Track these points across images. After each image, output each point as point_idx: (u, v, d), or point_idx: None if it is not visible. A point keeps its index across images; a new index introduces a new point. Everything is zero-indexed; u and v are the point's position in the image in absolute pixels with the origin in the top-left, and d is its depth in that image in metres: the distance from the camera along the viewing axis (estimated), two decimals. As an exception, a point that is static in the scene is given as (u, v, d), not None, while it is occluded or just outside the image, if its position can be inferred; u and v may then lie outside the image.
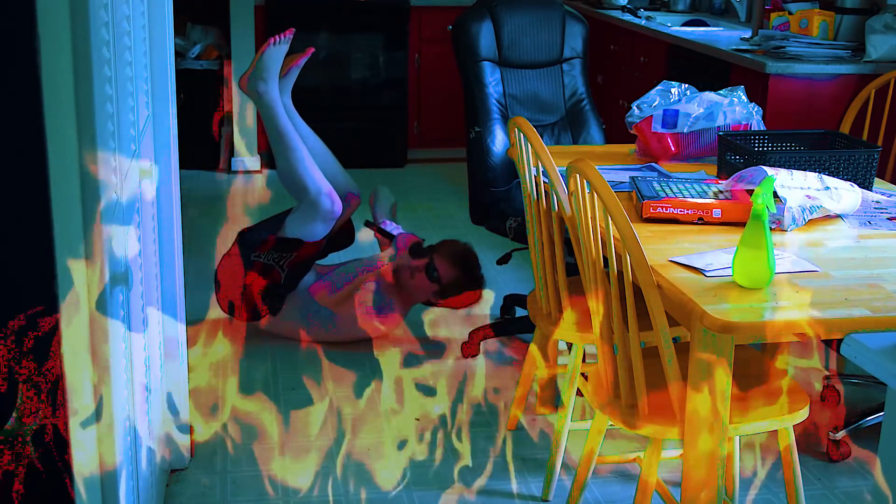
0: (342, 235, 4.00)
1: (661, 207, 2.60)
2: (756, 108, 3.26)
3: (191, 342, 3.41)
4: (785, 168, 2.72)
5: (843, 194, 2.63)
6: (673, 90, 3.31)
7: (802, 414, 2.35)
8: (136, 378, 2.23)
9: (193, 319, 3.79)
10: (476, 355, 3.75)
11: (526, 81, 3.90)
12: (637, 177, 2.87)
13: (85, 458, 1.68)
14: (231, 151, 6.24)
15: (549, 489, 2.92)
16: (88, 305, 1.67)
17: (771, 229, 2.36)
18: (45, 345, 1.59)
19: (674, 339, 2.62)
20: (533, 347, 3.19)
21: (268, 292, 3.72)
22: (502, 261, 3.93)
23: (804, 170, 2.78)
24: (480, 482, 2.98)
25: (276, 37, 3.77)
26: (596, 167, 2.22)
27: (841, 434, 3.11)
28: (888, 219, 2.68)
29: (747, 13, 5.37)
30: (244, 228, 3.93)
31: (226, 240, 4.55)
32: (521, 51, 3.88)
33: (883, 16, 4.26)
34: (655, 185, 2.73)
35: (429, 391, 3.50)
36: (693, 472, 2.22)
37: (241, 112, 6.13)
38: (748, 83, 4.03)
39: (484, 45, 3.82)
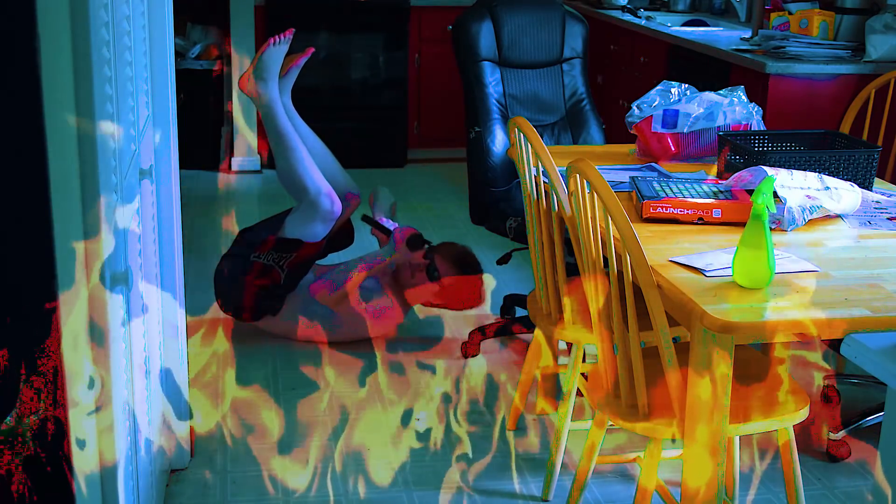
0: (342, 236, 4.00)
1: (661, 207, 2.60)
2: (756, 108, 3.26)
3: (191, 342, 3.41)
4: (785, 168, 2.72)
5: (843, 194, 2.63)
6: (673, 90, 3.31)
7: (802, 414, 2.35)
8: (136, 378, 2.23)
9: (193, 319, 3.79)
10: (476, 355, 3.75)
11: (526, 81, 3.90)
12: (637, 177, 2.88)
13: (85, 458, 1.68)
14: (231, 151, 6.24)
15: (549, 489, 2.92)
16: (88, 305, 1.67)
17: (771, 229, 2.36)
18: (45, 345, 1.59)
19: (674, 339, 2.62)
20: (533, 347, 3.19)
21: (267, 292, 3.72)
22: (502, 261, 3.93)
23: (804, 170, 2.78)
24: (480, 482, 2.98)
25: (276, 37, 3.77)
26: (596, 167, 2.22)
27: (841, 434, 3.11)
28: (888, 219, 2.68)
29: (747, 13, 5.37)
30: (244, 229, 3.93)
31: (226, 240, 4.55)
32: (521, 51, 3.88)
33: (883, 16, 4.26)
34: (655, 185, 2.73)
35: (429, 391, 3.50)
36: (693, 472, 2.22)
37: (241, 112, 6.13)
38: (748, 83, 4.03)
39: (484, 45, 3.82)
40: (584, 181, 2.26)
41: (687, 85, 3.34)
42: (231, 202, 5.69)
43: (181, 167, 2.90)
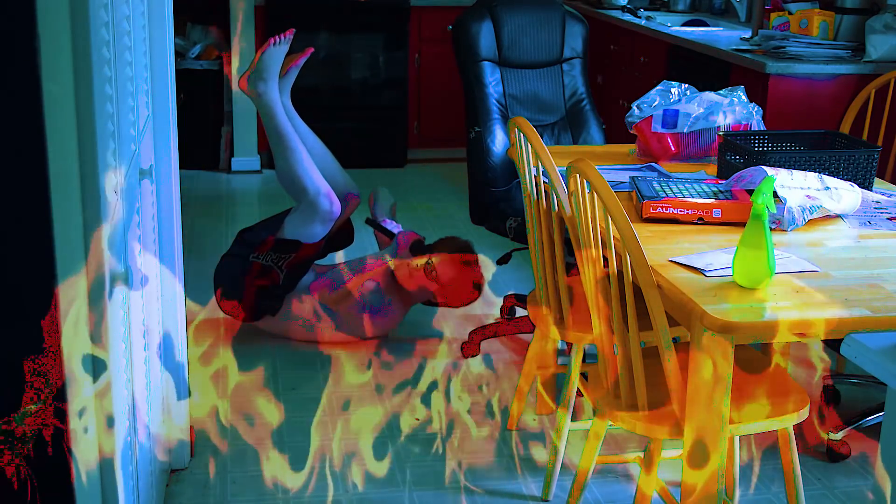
0: (341, 236, 4.00)
1: (661, 207, 2.60)
2: (756, 108, 3.26)
3: (190, 342, 3.41)
4: (785, 168, 2.72)
5: (843, 194, 2.63)
6: (673, 90, 3.31)
7: (802, 414, 2.35)
8: (136, 378, 2.23)
9: (193, 319, 3.79)
10: (476, 355, 3.75)
11: (526, 81, 3.90)
12: (637, 177, 2.88)
13: (85, 459, 1.68)
14: (231, 151, 6.24)
15: (549, 489, 2.92)
16: (88, 306, 1.67)
17: (771, 229, 2.36)
18: (45, 345, 1.59)
19: (674, 339, 2.62)
20: (533, 347, 3.19)
21: (266, 293, 3.72)
22: (502, 261, 3.93)
23: (804, 170, 2.78)
24: (480, 482, 2.98)
25: (276, 37, 3.77)
26: (596, 167, 2.22)
27: (841, 434, 3.11)
28: (888, 219, 2.68)
29: (747, 13, 5.37)
30: (243, 229, 3.93)
31: (226, 240, 4.55)
32: (521, 51, 3.88)
33: (883, 16, 4.26)
34: (655, 185, 2.73)
35: (429, 391, 3.50)
36: (693, 472, 2.22)
37: (241, 112, 6.13)
38: (748, 83, 4.03)
39: (484, 45, 3.82)
40: (584, 181, 2.26)
41: (687, 85, 3.34)
42: (231, 202, 5.69)
43: (181, 167, 2.90)
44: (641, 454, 2.56)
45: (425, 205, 5.59)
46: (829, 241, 2.53)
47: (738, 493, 2.77)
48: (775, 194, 2.54)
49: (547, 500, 2.91)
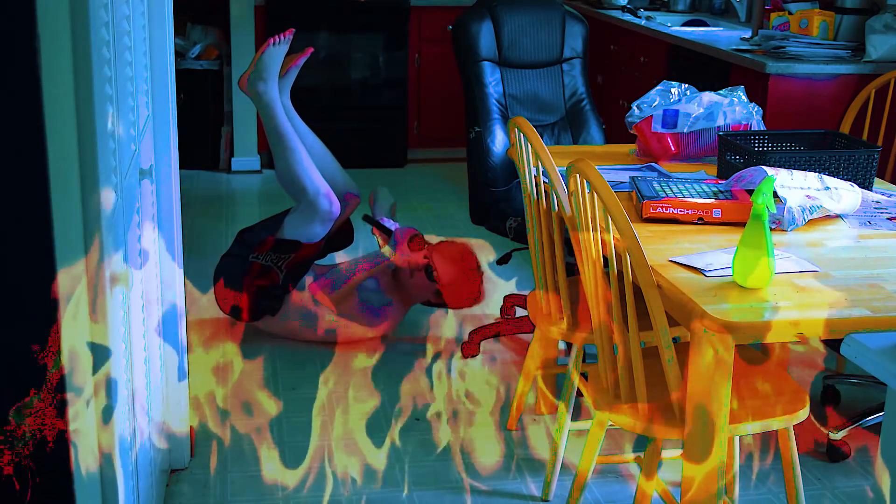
0: (341, 236, 4.00)
1: (661, 207, 2.60)
2: (756, 108, 3.26)
3: (190, 342, 3.41)
4: (785, 168, 2.72)
5: (843, 194, 2.63)
6: (673, 90, 3.31)
7: (802, 414, 2.35)
8: (136, 378, 2.23)
9: (193, 320, 3.79)
10: (476, 355, 3.75)
11: (526, 81, 3.90)
12: (637, 177, 2.87)
13: (85, 459, 1.68)
14: (231, 151, 6.24)
15: (549, 489, 2.92)
16: (88, 305, 1.67)
17: (771, 229, 2.36)
18: (45, 345, 1.59)
19: (674, 339, 2.62)
20: (533, 347, 3.19)
21: (266, 293, 3.72)
22: (502, 261, 3.93)
23: (804, 170, 2.78)
24: (480, 482, 2.98)
25: (276, 37, 3.77)
26: (596, 167, 2.22)
27: (841, 434, 3.11)
28: (888, 219, 2.68)
29: (747, 13, 5.37)
30: (243, 229, 3.93)
31: (226, 240, 4.55)
32: (521, 51, 3.88)
33: (883, 16, 4.26)
34: (655, 185, 2.73)
35: (429, 391, 3.50)
36: (693, 472, 2.22)
37: (241, 112, 6.13)
38: (748, 83, 4.03)
39: (484, 45, 3.82)
40: (584, 181, 2.26)
41: (687, 85, 3.34)
42: (231, 202, 5.69)
43: (181, 167, 2.90)
44: (641, 454, 2.56)
45: (425, 205, 5.59)
46: (829, 241, 2.53)
47: (738, 492, 2.77)
48: (775, 194, 2.53)
49: (547, 500, 2.91)
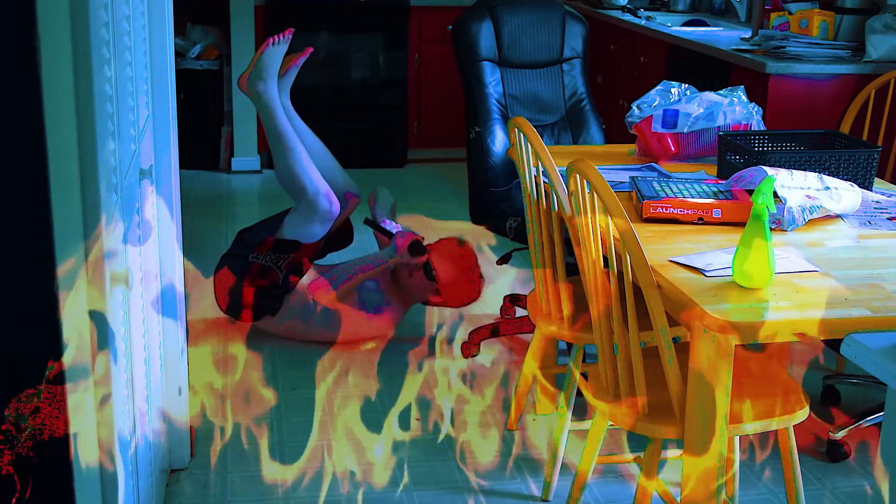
0: (340, 236, 4.00)
1: (661, 207, 2.60)
2: (756, 108, 3.26)
3: (190, 342, 3.41)
4: (785, 168, 2.72)
5: (843, 194, 2.63)
6: (673, 90, 3.31)
7: (802, 414, 2.35)
8: (137, 378, 2.23)
9: (193, 319, 3.79)
10: (476, 355, 3.75)
11: (526, 81, 3.90)
12: (637, 177, 2.87)
13: (85, 459, 1.68)
14: (231, 151, 6.24)
15: (549, 489, 2.92)
16: (88, 305, 1.67)
17: (771, 229, 2.36)
18: (45, 346, 1.59)
19: (674, 339, 2.62)
20: (533, 347, 3.19)
21: (266, 293, 3.72)
22: (502, 261, 3.93)
23: (804, 170, 2.78)
24: (480, 482, 2.98)
25: (276, 37, 3.77)
26: (596, 167, 2.22)
27: (841, 434, 3.11)
28: (888, 219, 2.68)
29: (747, 13, 5.37)
30: (243, 229, 3.93)
31: (226, 240, 4.55)
32: (521, 51, 3.88)
33: (883, 16, 4.26)
34: (655, 185, 2.73)
35: (429, 391, 3.50)
36: (693, 472, 2.22)
37: (241, 112, 6.13)
38: (748, 83, 4.03)
39: (484, 45, 3.82)
40: (584, 181, 2.26)
41: (687, 85, 3.34)
42: (231, 202, 5.69)
43: (181, 167, 2.90)
44: (641, 454, 2.56)
45: (425, 205, 5.59)
46: (829, 241, 2.53)
47: (738, 492, 2.77)
48: (775, 194, 2.53)
49: (547, 500, 2.91)
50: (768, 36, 4.46)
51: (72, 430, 1.63)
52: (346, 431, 3.21)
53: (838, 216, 2.68)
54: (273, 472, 3.00)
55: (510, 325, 3.82)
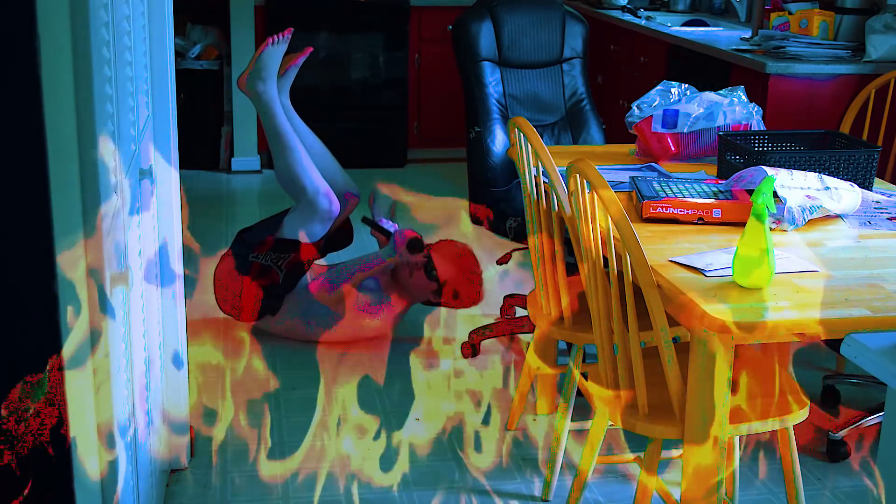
0: (340, 235, 4.00)
1: (661, 207, 2.60)
2: (756, 108, 3.26)
3: (190, 342, 3.41)
4: (785, 168, 2.72)
5: (843, 194, 2.63)
6: (673, 90, 3.31)
7: (802, 414, 2.35)
8: (136, 378, 2.23)
9: (193, 319, 3.79)
10: (476, 355, 3.75)
11: (526, 81, 3.90)
12: (637, 177, 2.87)
13: (85, 459, 1.68)
14: (231, 151, 6.24)
15: (549, 489, 2.92)
16: (88, 305, 1.67)
17: (771, 229, 2.36)
18: (45, 346, 1.59)
19: (674, 339, 2.62)
20: (533, 347, 3.19)
21: (266, 293, 3.72)
22: (502, 261, 3.93)
23: (804, 170, 2.78)
24: (480, 482, 2.98)
25: (275, 36, 3.77)
26: (596, 167, 2.22)
27: (841, 434, 3.11)
28: (888, 219, 2.68)
29: (747, 13, 5.37)
30: (243, 229, 3.93)
31: (226, 240, 4.55)
32: (521, 51, 3.88)
33: (883, 16, 4.26)
34: (655, 185, 2.73)
35: (428, 391, 3.50)
36: (693, 472, 2.22)
37: (241, 112, 6.13)
38: (748, 83, 4.03)
39: (484, 45, 3.82)
40: (584, 181, 2.26)
41: (687, 85, 3.34)
42: (231, 202, 5.69)
43: (181, 167, 2.89)
44: (641, 454, 2.56)
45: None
46: (829, 241, 2.53)
47: (737, 492, 2.77)
48: (775, 194, 2.53)
49: (547, 500, 2.91)
50: (768, 36, 4.46)
51: (71, 430, 1.63)
52: (346, 431, 3.21)
53: (838, 216, 2.68)
54: (273, 472, 2.99)
55: (510, 325, 3.82)
